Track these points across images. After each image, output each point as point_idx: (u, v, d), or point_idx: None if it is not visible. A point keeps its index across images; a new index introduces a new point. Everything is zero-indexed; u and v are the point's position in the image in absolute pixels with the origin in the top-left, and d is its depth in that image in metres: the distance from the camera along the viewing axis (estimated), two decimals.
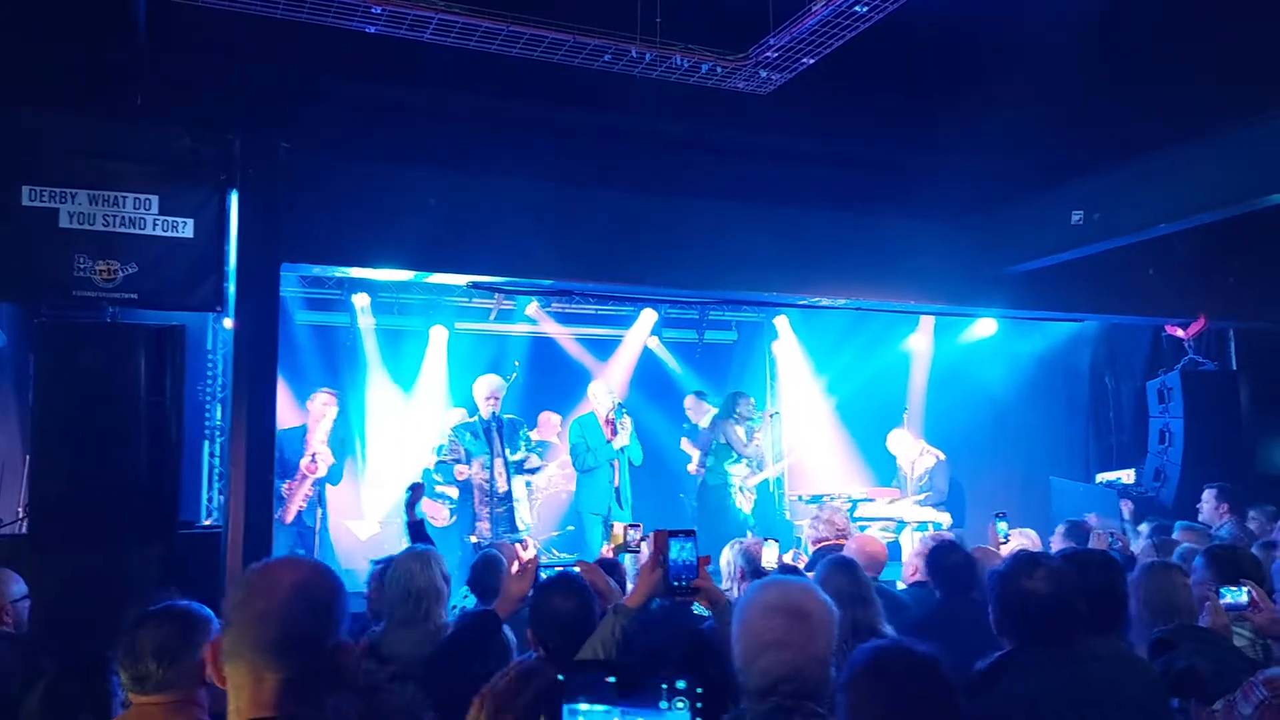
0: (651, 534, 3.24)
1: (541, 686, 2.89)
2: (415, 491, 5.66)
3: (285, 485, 7.79)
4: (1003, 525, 5.81)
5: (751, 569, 5.16)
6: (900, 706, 1.98)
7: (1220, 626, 3.40)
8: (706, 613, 3.31)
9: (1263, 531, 6.56)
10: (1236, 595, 3.41)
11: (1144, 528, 6.48)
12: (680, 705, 1.38)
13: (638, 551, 5.34)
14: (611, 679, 1.37)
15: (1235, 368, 10.03)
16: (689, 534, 3.12)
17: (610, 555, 5.60)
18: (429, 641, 3.79)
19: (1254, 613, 3.37)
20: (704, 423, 9.49)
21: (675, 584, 3.06)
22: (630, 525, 5.46)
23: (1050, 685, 2.70)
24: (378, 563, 4.82)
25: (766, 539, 5.39)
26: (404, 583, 4.01)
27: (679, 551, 3.08)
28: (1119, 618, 3.10)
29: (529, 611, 3.36)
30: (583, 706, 1.39)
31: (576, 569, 3.68)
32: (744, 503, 9.45)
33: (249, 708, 1.59)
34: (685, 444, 9.62)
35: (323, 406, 8.04)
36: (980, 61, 6.40)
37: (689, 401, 9.70)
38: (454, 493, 8.59)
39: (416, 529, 5.50)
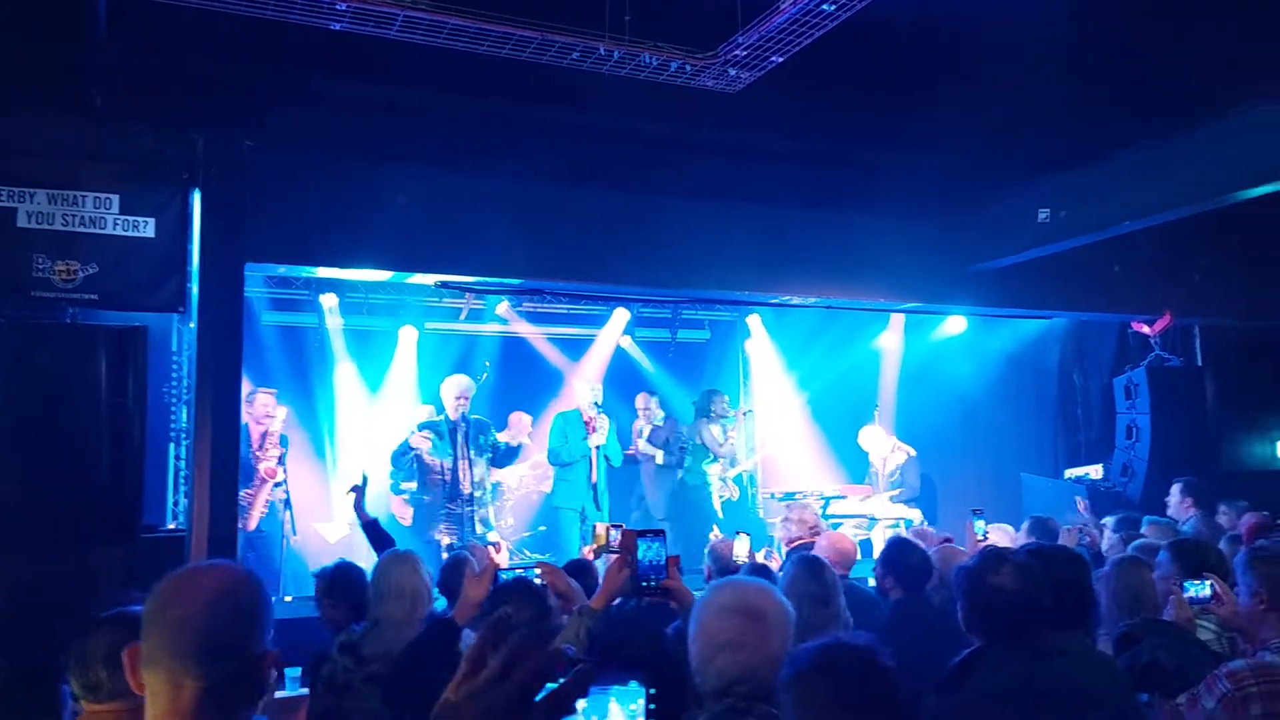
0: (621, 533, 3.21)
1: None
2: (357, 491, 5.57)
3: (244, 492, 7.69)
4: (980, 523, 5.81)
5: (719, 568, 5.15)
6: (843, 700, 1.96)
7: (1184, 620, 3.42)
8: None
9: (1232, 526, 6.62)
10: (1200, 589, 3.43)
11: (1108, 521, 6.51)
12: (637, 687, 1.36)
13: (620, 552, 5.32)
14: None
15: (1200, 364, 10.14)
16: (658, 534, 3.09)
17: (591, 557, 5.57)
18: None
19: (1217, 606, 3.39)
20: (658, 421, 9.46)
21: (644, 584, 3.03)
22: (613, 525, 5.42)
23: (1018, 681, 2.70)
24: (319, 574, 4.73)
25: (738, 533, 5.37)
26: (395, 583, 3.99)
27: (647, 551, 3.04)
28: (1085, 613, 3.10)
29: (480, 619, 3.32)
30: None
31: (538, 571, 3.65)
32: (729, 494, 9.60)
33: (166, 716, 1.56)
34: (644, 446, 9.51)
35: (267, 408, 7.93)
36: (948, 60, 6.43)
37: (641, 400, 9.62)
38: (413, 485, 8.41)
39: (373, 528, 5.43)
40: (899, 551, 4.51)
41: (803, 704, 1.97)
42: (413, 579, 3.99)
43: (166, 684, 1.56)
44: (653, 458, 9.39)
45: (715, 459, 9.40)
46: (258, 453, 7.81)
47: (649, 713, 1.35)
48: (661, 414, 9.56)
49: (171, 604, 1.60)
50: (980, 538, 5.60)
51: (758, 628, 2.29)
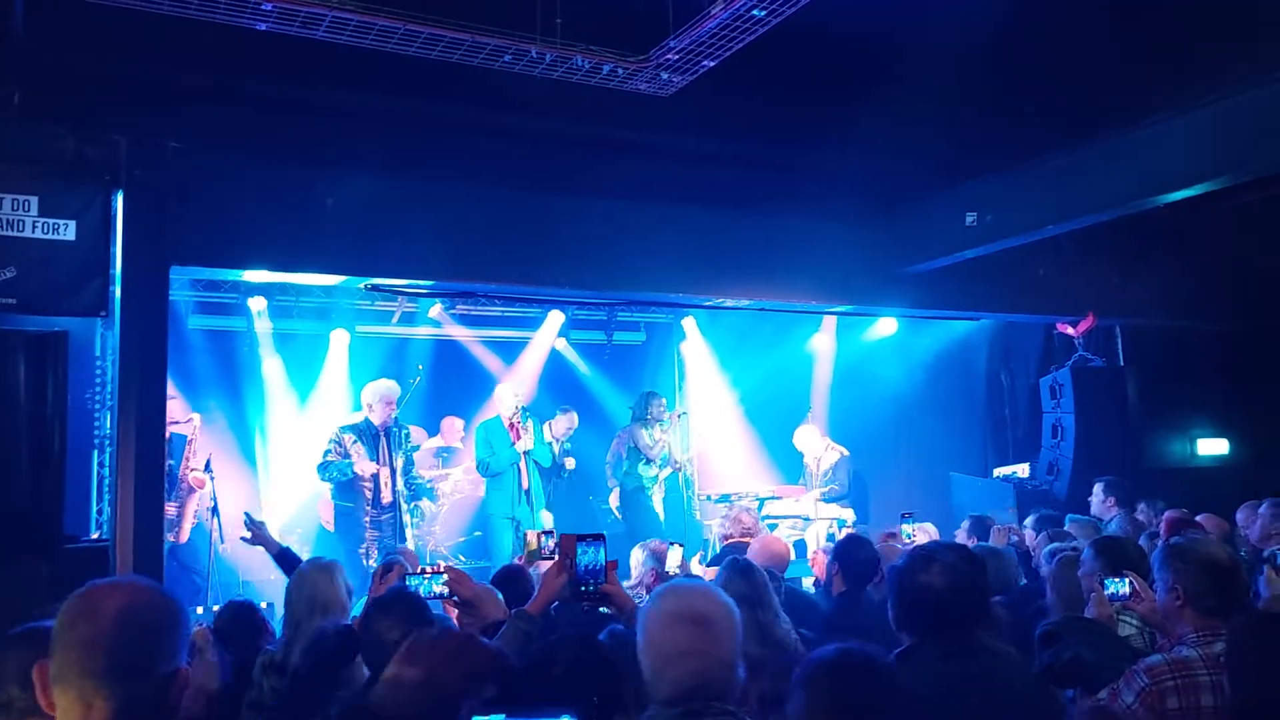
0: (559, 538, 3.20)
1: None
2: (254, 531, 5.38)
3: (170, 506, 7.53)
4: (907, 527, 5.92)
5: (662, 570, 5.16)
6: (849, 708, 2.01)
7: (1105, 617, 3.51)
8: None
9: (1150, 523, 6.81)
10: (1119, 586, 3.51)
11: (1030, 520, 6.67)
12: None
13: (553, 558, 5.29)
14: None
15: (1123, 363, 10.42)
16: (597, 538, 3.08)
17: (523, 563, 5.53)
18: None
19: (1136, 602, 3.49)
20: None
21: (582, 589, 3.03)
22: (544, 532, 5.39)
23: (948, 678, 2.73)
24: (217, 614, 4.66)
25: (671, 543, 5.38)
26: (309, 594, 3.88)
27: (586, 556, 3.04)
28: (983, 612, 3.17)
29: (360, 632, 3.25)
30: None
31: (444, 578, 3.58)
32: (657, 499, 9.58)
33: None
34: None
35: (174, 414, 7.75)
36: (877, 65, 6.51)
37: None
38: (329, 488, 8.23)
39: (283, 558, 5.28)
40: (852, 546, 4.57)
41: (810, 711, 2.01)
42: (329, 588, 3.89)
43: (76, 703, 1.53)
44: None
45: (650, 461, 9.44)
46: (169, 460, 7.62)
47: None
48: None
49: (78, 622, 1.57)
50: (906, 540, 5.70)
51: (709, 634, 2.29)
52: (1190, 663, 2.91)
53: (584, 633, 2.78)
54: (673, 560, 5.19)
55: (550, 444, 8.64)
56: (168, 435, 7.57)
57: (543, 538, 5.20)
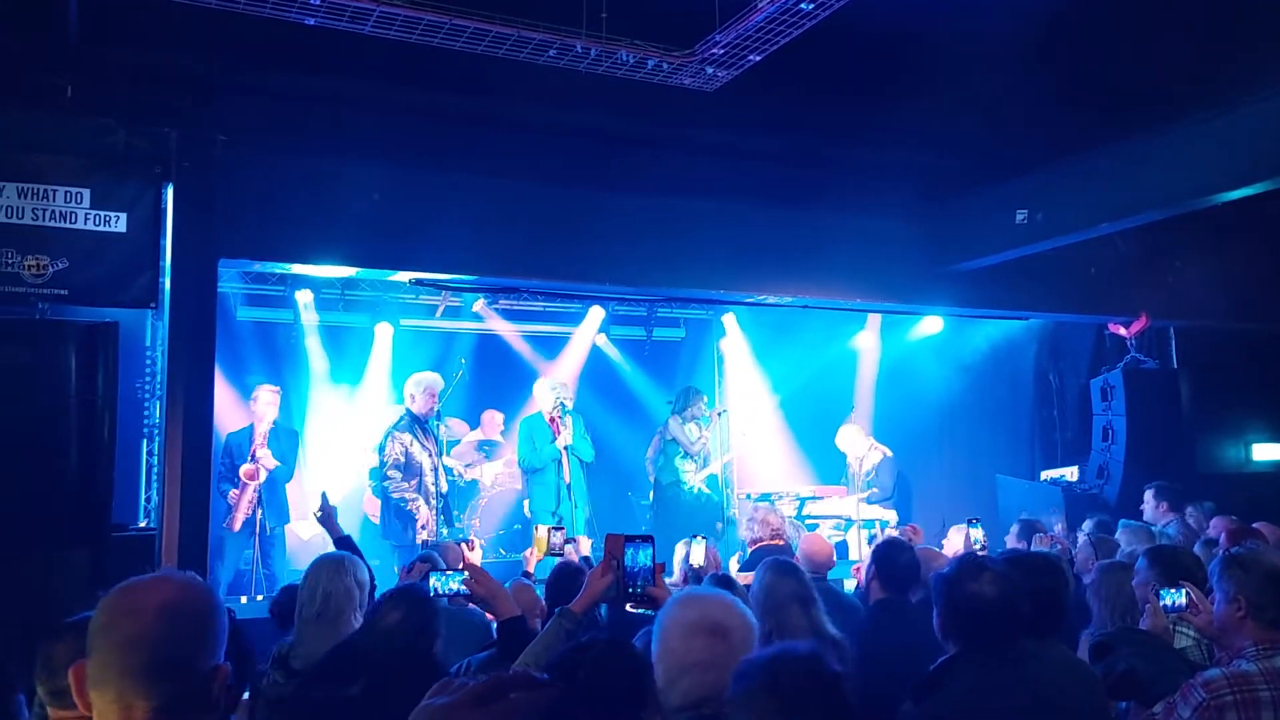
0: (606, 537, 3.17)
1: None
2: (325, 512, 5.40)
3: (232, 493, 7.64)
4: (975, 532, 5.78)
5: (687, 565, 5.11)
6: (791, 713, 1.94)
7: (1159, 628, 3.41)
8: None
9: (1200, 528, 6.65)
10: (1175, 597, 3.42)
11: (1086, 525, 6.53)
12: None
13: (562, 556, 5.25)
14: None
15: (1176, 366, 10.20)
16: (646, 539, 3.01)
17: (533, 562, 5.50)
18: None
19: (1192, 614, 3.39)
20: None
21: (630, 590, 2.99)
22: (555, 528, 5.34)
23: (995, 688, 2.69)
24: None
25: (695, 536, 5.30)
26: (312, 589, 3.84)
27: (634, 557, 3.00)
28: (1059, 621, 3.09)
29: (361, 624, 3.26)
30: None
31: (465, 575, 3.56)
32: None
33: None
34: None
35: (265, 406, 7.88)
36: (927, 59, 6.41)
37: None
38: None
39: (345, 544, 5.31)
40: (891, 551, 4.49)
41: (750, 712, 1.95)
42: (336, 584, 3.83)
43: (115, 704, 1.49)
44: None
45: (688, 456, 9.38)
46: (258, 451, 7.76)
47: None
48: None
49: (117, 622, 1.53)
50: (975, 545, 5.58)
51: (724, 647, 2.25)
52: (1250, 677, 2.82)
53: (614, 635, 2.76)
54: (696, 555, 5.10)
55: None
56: (268, 427, 7.74)
57: (554, 533, 5.16)
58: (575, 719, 2.13)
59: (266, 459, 7.81)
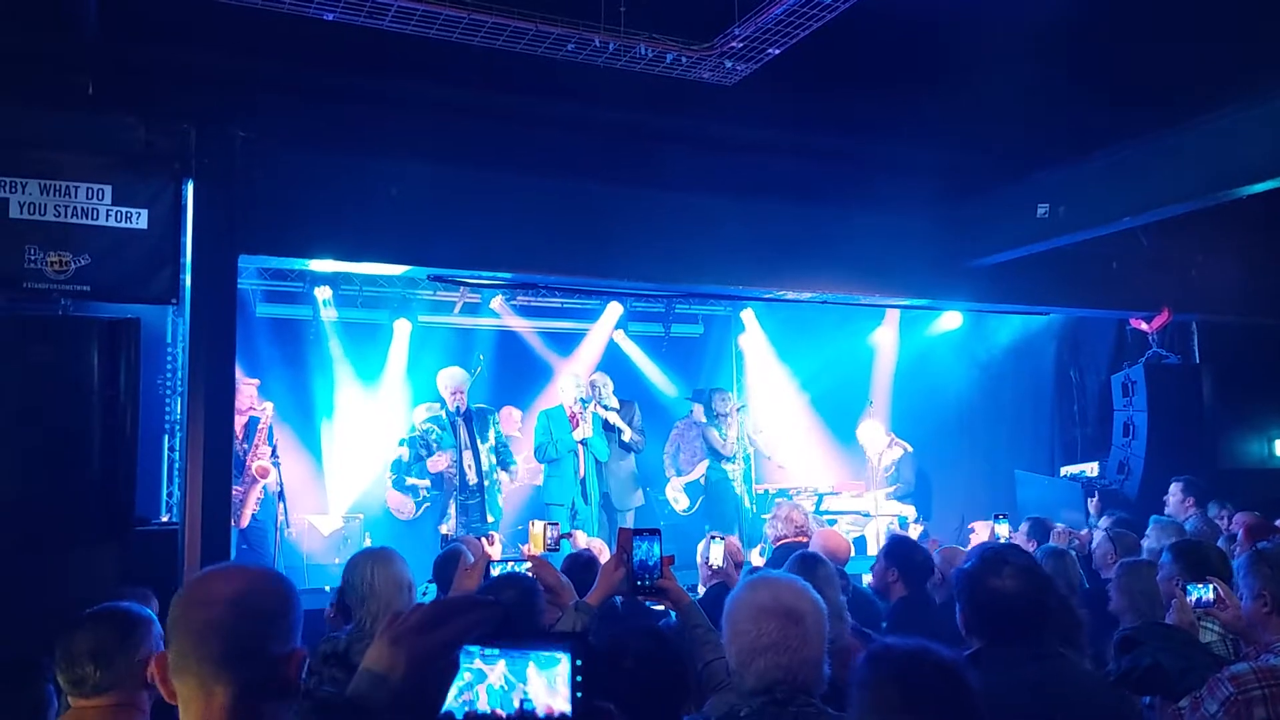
0: (618, 532, 3.21)
1: None
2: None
3: (235, 489, 7.67)
4: (1000, 528, 5.76)
5: (711, 571, 5.10)
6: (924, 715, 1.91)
7: (1186, 623, 3.39)
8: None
9: (1224, 524, 6.60)
10: (1203, 592, 3.39)
11: (1104, 522, 6.49)
12: (561, 656, 1.37)
13: (557, 550, 5.27)
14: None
15: (1198, 361, 10.12)
16: (653, 533, 3.10)
17: (527, 554, 5.50)
18: None
19: (1219, 609, 3.37)
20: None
21: (639, 583, 3.03)
22: (550, 524, 5.37)
23: (1020, 683, 2.67)
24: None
25: (714, 536, 5.29)
26: (371, 583, 3.83)
27: (643, 551, 3.05)
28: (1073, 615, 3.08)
29: None
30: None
31: (527, 565, 3.62)
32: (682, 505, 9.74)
33: None
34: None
35: (246, 399, 7.89)
36: (947, 54, 6.38)
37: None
38: (426, 482, 8.49)
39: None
40: (905, 548, 4.48)
41: (874, 710, 1.93)
42: (391, 576, 3.83)
43: (198, 690, 1.54)
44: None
45: (722, 457, 9.44)
46: (243, 445, 7.77)
47: (575, 684, 1.34)
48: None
49: (192, 609, 1.58)
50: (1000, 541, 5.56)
51: (798, 631, 2.28)
52: (1278, 671, 2.80)
53: (649, 625, 2.79)
54: (715, 555, 5.09)
55: (616, 430, 8.66)
56: (244, 420, 7.77)
57: (549, 529, 5.18)
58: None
59: (265, 459, 7.85)
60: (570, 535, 5.95)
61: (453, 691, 1.35)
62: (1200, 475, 7.75)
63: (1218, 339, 10.15)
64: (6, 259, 5.67)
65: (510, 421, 10.34)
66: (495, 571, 3.77)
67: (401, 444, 8.52)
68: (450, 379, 8.18)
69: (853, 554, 5.76)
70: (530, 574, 3.56)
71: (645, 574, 3.03)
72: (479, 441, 8.08)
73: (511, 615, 3.07)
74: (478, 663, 1.37)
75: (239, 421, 7.83)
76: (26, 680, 2.65)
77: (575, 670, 1.35)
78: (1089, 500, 7.94)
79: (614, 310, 10.51)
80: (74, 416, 5.40)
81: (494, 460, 8.22)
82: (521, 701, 1.35)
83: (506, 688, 1.37)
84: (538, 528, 5.26)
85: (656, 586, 3.04)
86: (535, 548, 5.33)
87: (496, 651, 1.37)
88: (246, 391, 7.96)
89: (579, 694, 1.34)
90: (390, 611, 3.65)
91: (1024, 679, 2.68)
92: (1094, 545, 5.76)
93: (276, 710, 1.58)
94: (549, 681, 1.36)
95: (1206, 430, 9.43)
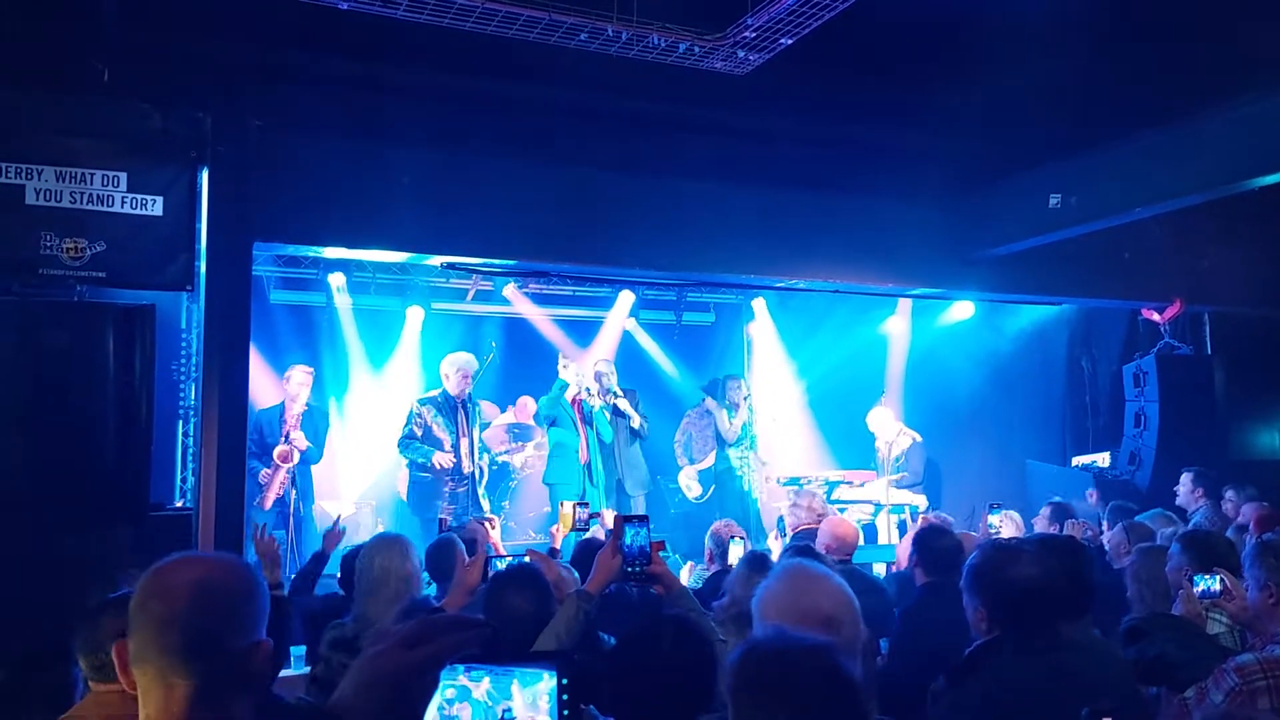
0: (613, 519, 3.25)
1: None
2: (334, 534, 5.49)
3: (263, 472, 7.73)
4: (993, 518, 5.78)
5: (720, 553, 5.12)
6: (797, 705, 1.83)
7: (1193, 614, 3.40)
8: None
9: (1236, 512, 6.59)
10: (1210, 583, 3.40)
11: (1104, 512, 6.50)
12: (548, 676, 1.38)
13: (586, 531, 5.29)
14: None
15: (1210, 352, 10.08)
16: (642, 519, 3.15)
17: (559, 536, 5.53)
18: None
19: (1226, 600, 3.38)
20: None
21: (629, 570, 3.07)
22: (580, 503, 5.39)
23: (1032, 672, 2.68)
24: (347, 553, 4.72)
25: (733, 536, 5.30)
26: (380, 571, 3.85)
27: (631, 537, 3.09)
28: (1089, 604, 3.09)
29: (483, 605, 3.30)
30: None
31: (527, 558, 3.64)
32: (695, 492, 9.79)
33: (158, 715, 1.51)
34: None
35: (299, 387, 7.97)
36: (959, 44, 6.37)
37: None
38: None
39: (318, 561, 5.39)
40: (932, 535, 4.49)
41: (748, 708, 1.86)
42: (400, 565, 3.84)
43: (157, 682, 1.51)
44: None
45: (730, 444, 9.48)
46: (291, 431, 7.85)
47: (561, 702, 1.35)
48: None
49: (153, 601, 1.54)
50: (993, 531, 5.58)
51: (837, 640, 2.15)
52: None
53: (678, 612, 2.83)
54: (734, 554, 5.08)
55: (626, 415, 8.69)
56: (302, 410, 7.82)
57: (579, 509, 5.20)
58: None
59: (300, 440, 7.89)
60: (600, 515, 5.96)
61: (435, 706, 1.35)
62: (1211, 466, 7.73)
63: (1230, 330, 10.11)
64: (23, 246, 5.72)
65: (525, 410, 10.39)
66: (501, 565, 3.77)
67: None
68: (460, 363, 8.15)
69: (861, 542, 5.79)
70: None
71: (636, 561, 3.07)
72: (473, 429, 8.07)
73: (523, 617, 3.11)
74: (462, 679, 1.38)
75: (295, 410, 7.88)
76: (52, 665, 2.69)
77: (562, 689, 1.36)
78: (1088, 492, 7.91)
79: (626, 298, 10.52)
80: (89, 402, 5.47)
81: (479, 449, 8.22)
82: (504, 715, 1.36)
83: (490, 703, 1.37)
84: (568, 508, 5.30)
85: (648, 572, 3.08)
86: (565, 528, 5.37)
87: (482, 669, 1.38)
88: (300, 379, 8.00)
89: (565, 711, 1.35)
90: (402, 599, 3.72)
91: (1039, 669, 2.69)
92: (1106, 536, 5.77)
93: (240, 703, 1.54)
94: (532, 699, 1.36)
95: (1218, 421, 9.40)
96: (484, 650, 1.37)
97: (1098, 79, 6.91)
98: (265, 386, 8.49)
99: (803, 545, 4.28)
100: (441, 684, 1.34)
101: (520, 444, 10.11)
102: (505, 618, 3.12)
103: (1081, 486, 8.94)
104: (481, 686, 1.38)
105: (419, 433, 7.85)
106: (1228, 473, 7.79)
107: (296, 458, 7.90)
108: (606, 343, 10.63)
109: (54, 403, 5.39)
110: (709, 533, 5.65)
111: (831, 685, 1.84)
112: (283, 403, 8.03)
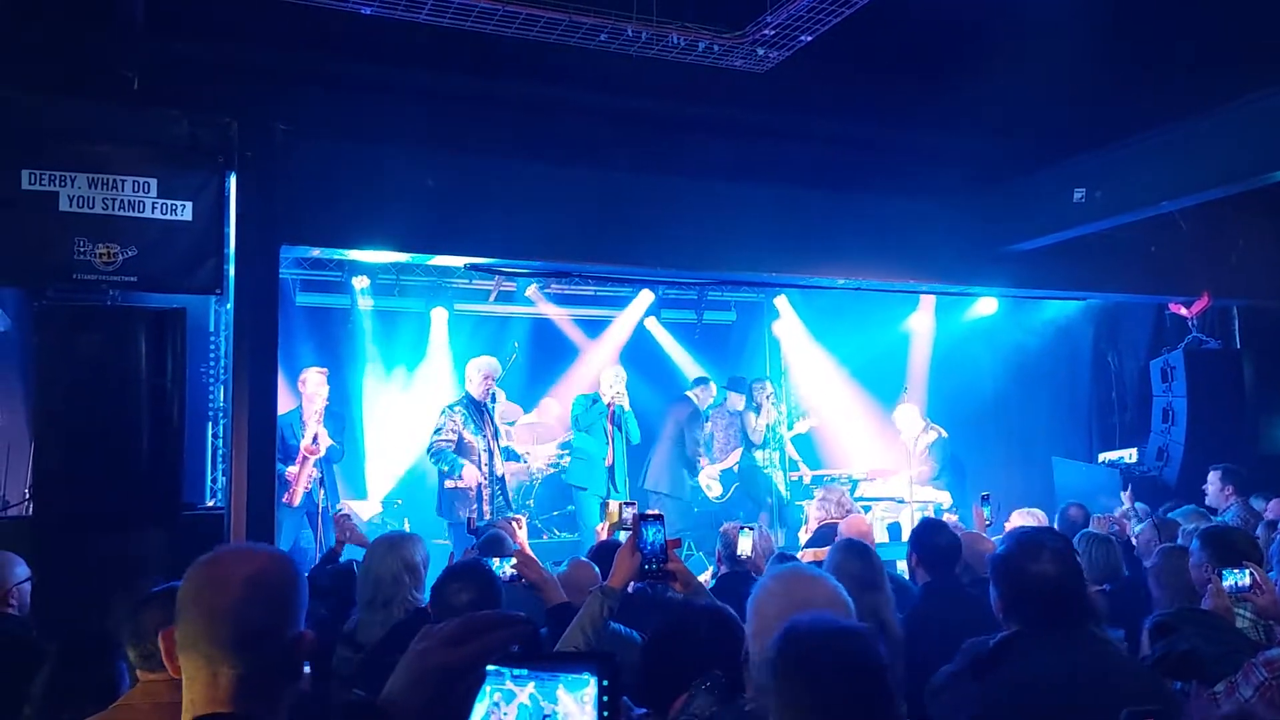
0: (632, 517, 3.30)
1: None
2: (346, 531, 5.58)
3: (288, 470, 7.80)
4: (987, 509, 5.79)
5: (728, 553, 5.14)
6: (835, 690, 1.87)
7: (1222, 609, 3.39)
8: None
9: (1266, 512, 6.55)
10: (1239, 577, 3.39)
11: (1142, 510, 6.45)
12: (588, 677, 1.40)
13: (630, 530, 5.33)
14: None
15: (1239, 346, 9.99)
16: (657, 518, 3.20)
17: (607, 535, 5.59)
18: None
19: (1256, 594, 3.37)
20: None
21: (646, 567, 3.10)
22: (627, 503, 5.46)
23: (1057, 667, 2.69)
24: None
25: (744, 527, 5.33)
26: (365, 571, 4.04)
27: (648, 535, 3.12)
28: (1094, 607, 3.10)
29: (429, 598, 3.39)
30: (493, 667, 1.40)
31: (514, 560, 3.74)
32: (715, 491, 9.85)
33: (203, 703, 1.56)
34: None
35: (317, 387, 8.02)
36: (980, 38, 6.35)
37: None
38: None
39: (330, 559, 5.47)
40: (928, 532, 4.49)
41: (791, 689, 1.90)
42: (395, 564, 3.96)
43: (204, 670, 1.56)
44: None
45: (758, 446, 9.52)
46: (314, 429, 7.91)
47: (602, 704, 1.37)
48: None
49: (205, 592, 1.59)
50: (988, 522, 5.60)
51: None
52: None
53: (710, 603, 2.87)
54: (744, 546, 5.12)
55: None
56: (322, 408, 7.90)
57: (624, 508, 5.27)
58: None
59: (324, 436, 7.96)
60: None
61: (481, 711, 1.37)
62: (1241, 462, 7.66)
63: (1259, 323, 10.01)
64: (57, 251, 5.83)
65: (548, 412, 10.43)
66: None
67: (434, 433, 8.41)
68: (487, 366, 8.18)
69: (885, 539, 5.81)
70: (515, 570, 3.71)
71: (652, 558, 3.11)
72: (494, 432, 8.13)
73: (460, 608, 3.20)
74: (508, 684, 1.40)
75: (314, 409, 7.96)
76: (101, 657, 2.76)
77: (602, 690, 1.38)
78: (1124, 493, 7.85)
79: (646, 297, 10.53)
80: (123, 404, 5.56)
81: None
82: (549, 718, 1.39)
83: (535, 708, 1.39)
84: (614, 506, 5.37)
85: (664, 570, 3.12)
86: (611, 524, 5.46)
87: (525, 672, 1.40)
88: (317, 380, 8.06)
89: (605, 713, 1.38)
90: (397, 599, 3.84)
91: (1062, 664, 2.70)
92: (1137, 532, 5.74)
93: (282, 691, 1.59)
94: (578, 701, 1.38)
95: (1247, 416, 9.31)
96: (525, 648, 1.39)
97: (1121, 72, 6.86)
98: (283, 390, 8.53)
99: (856, 541, 4.30)
100: (489, 689, 1.37)
101: (540, 444, 10.16)
102: (446, 609, 3.23)
103: (1109, 483, 8.88)
104: (526, 691, 1.41)
105: (452, 440, 7.84)
106: (1256, 467, 7.73)
107: (323, 450, 7.96)
108: (626, 342, 10.64)
109: (88, 405, 5.49)
110: (720, 533, 5.68)
111: (869, 669, 1.90)
112: (299, 406, 8.08)
